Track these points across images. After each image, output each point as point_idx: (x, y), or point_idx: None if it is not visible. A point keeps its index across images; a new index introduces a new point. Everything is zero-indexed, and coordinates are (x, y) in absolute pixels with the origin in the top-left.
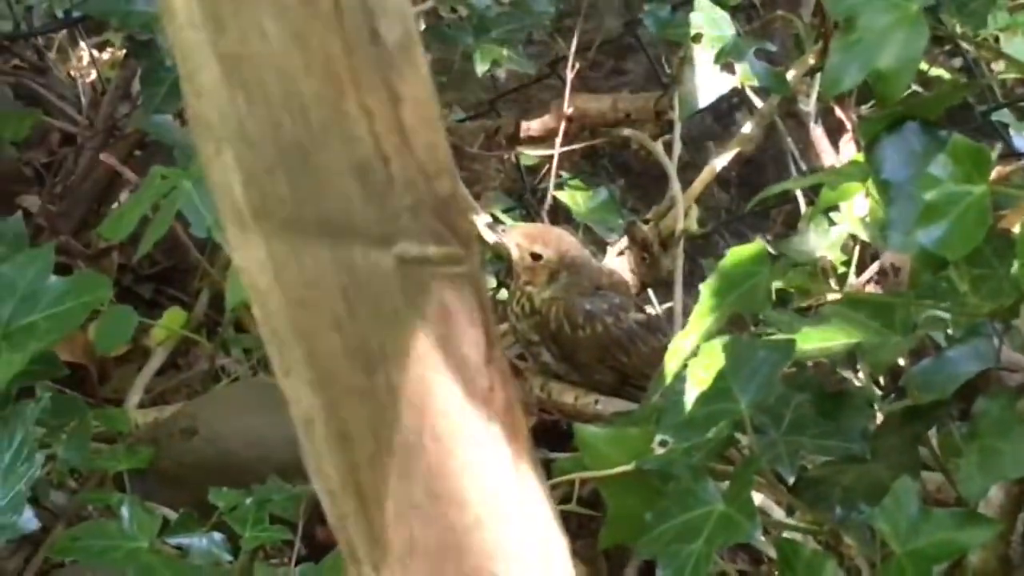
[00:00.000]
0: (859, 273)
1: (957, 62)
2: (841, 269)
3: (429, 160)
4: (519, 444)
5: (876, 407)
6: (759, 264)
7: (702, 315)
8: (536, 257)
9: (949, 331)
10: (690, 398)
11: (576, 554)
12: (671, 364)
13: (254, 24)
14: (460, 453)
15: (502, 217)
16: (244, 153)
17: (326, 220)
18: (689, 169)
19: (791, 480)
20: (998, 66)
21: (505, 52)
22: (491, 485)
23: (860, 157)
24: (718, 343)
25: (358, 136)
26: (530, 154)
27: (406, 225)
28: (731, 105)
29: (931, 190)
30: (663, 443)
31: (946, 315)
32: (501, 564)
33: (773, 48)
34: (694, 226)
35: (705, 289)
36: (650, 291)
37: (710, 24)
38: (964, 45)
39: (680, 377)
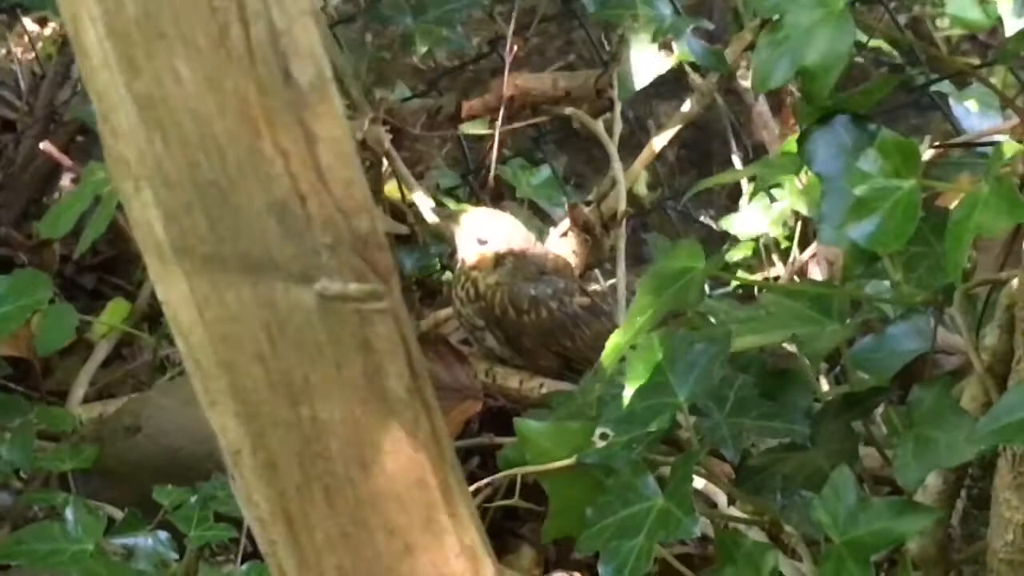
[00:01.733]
0: (803, 248)
1: (902, 19)
2: (784, 244)
3: (346, 198)
4: (445, 471)
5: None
6: (693, 260)
7: (638, 313)
8: (482, 242)
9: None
10: (628, 393)
11: (524, 538)
12: (609, 360)
13: (168, 67)
14: (387, 483)
15: (445, 200)
16: (162, 192)
17: (246, 257)
18: (632, 144)
19: (735, 462)
20: (943, 23)
21: (444, 33)
22: (419, 513)
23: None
24: (655, 337)
25: (274, 175)
26: (472, 133)
27: (326, 262)
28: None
29: (861, 185)
30: (603, 436)
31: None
32: None
33: (711, 26)
34: (643, 190)
35: (640, 287)
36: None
37: (647, 3)
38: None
39: (619, 371)
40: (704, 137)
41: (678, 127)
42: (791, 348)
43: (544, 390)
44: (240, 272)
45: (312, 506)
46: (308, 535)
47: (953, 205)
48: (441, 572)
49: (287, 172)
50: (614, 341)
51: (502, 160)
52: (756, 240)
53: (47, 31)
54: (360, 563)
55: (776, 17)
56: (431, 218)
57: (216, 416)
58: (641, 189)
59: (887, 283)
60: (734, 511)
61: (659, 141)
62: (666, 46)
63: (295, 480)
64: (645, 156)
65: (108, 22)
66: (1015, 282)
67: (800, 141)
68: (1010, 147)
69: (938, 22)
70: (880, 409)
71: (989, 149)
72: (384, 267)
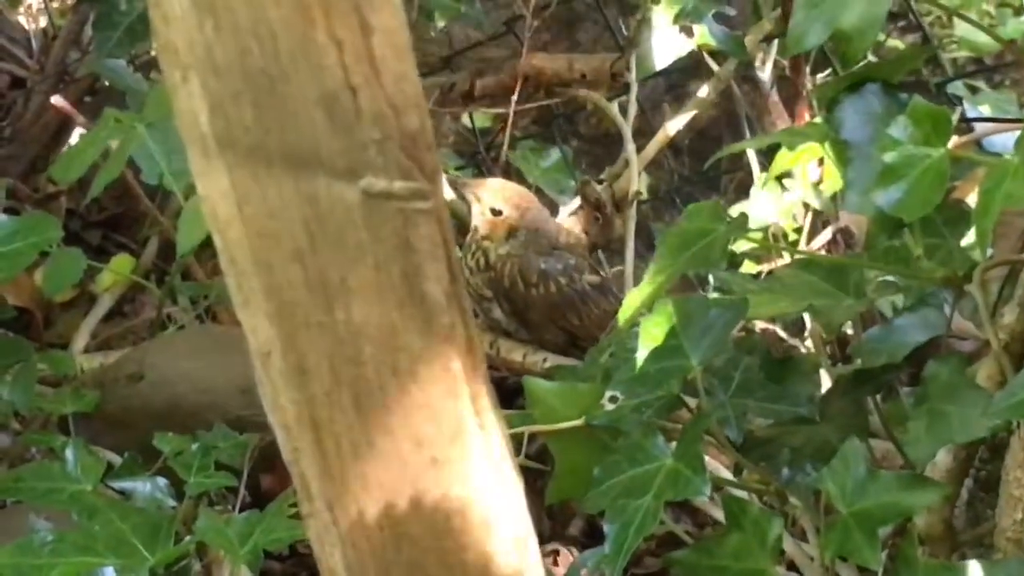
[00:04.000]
0: (810, 241)
1: (911, 39)
2: (792, 236)
3: (398, 93)
4: (478, 383)
5: (824, 372)
6: (715, 222)
7: (658, 271)
8: (496, 212)
9: (901, 298)
10: (642, 355)
11: None
12: (624, 317)
13: None
14: (419, 391)
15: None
16: (210, 80)
17: (291, 151)
18: (642, 136)
19: (739, 441)
20: (951, 44)
21: (462, 8)
22: (449, 424)
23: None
24: (671, 301)
25: (326, 66)
26: (485, 112)
27: (372, 159)
28: (686, 71)
29: (890, 152)
30: (613, 399)
31: (898, 280)
32: (456, 504)
33: (732, 12)
34: (644, 193)
35: (661, 245)
36: (600, 253)
37: None
38: (920, 22)
39: (631, 334)
40: (715, 132)
41: (694, 112)
42: (794, 343)
43: (547, 364)
44: (284, 166)
45: (340, 413)
46: (334, 443)
47: (969, 197)
48: (467, 486)
49: (340, 63)
50: (632, 298)
51: (512, 143)
52: (765, 230)
53: (55, 3)
54: (385, 473)
55: None
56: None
57: (247, 316)
58: (642, 189)
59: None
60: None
61: (674, 124)
62: (686, 30)
63: (325, 385)
64: (660, 138)
65: None
66: None
67: (829, 108)
68: None
69: (946, 44)
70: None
71: (1002, 147)
72: (430, 167)
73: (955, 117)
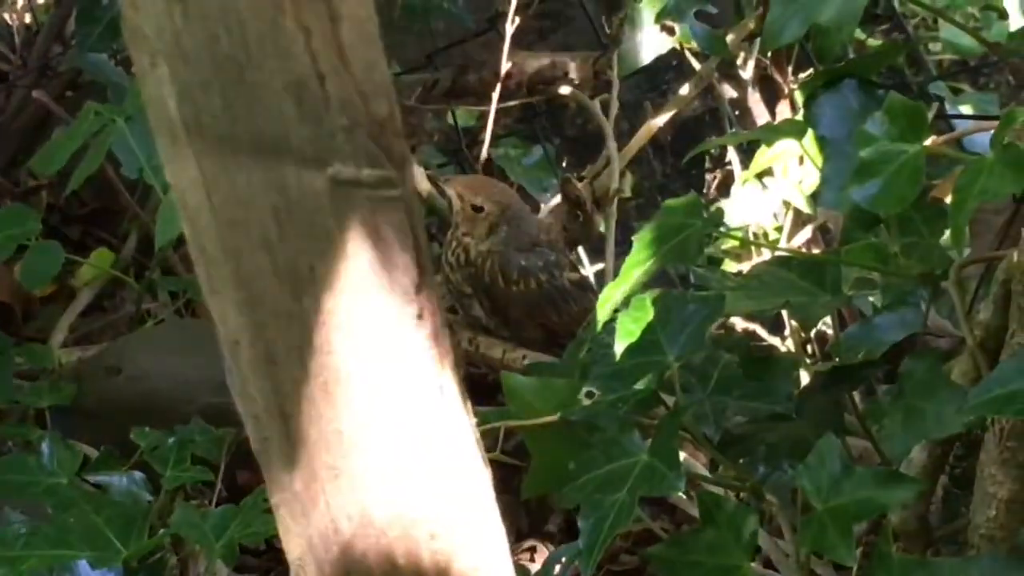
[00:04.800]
0: (791, 238)
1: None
2: (773, 235)
3: (366, 80)
4: (446, 372)
5: (802, 370)
6: (692, 216)
7: (634, 265)
8: (477, 209)
9: (878, 296)
10: (619, 349)
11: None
12: (601, 312)
13: None
14: (387, 380)
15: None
16: (179, 67)
17: (259, 138)
18: (623, 137)
19: (716, 440)
20: (936, 47)
21: (444, 5)
22: (417, 413)
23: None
24: (648, 296)
25: (295, 53)
26: (467, 109)
27: (340, 146)
28: (668, 67)
29: (866, 147)
30: (590, 394)
31: (876, 277)
32: (426, 491)
33: (713, 11)
34: (627, 192)
35: (638, 241)
36: (581, 251)
37: None
38: (904, 23)
39: (608, 328)
40: (696, 131)
41: (675, 110)
42: (772, 341)
43: (526, 361)
44: (252, 153)
45: (309, 402)
46: (302, 432)
47: (947, 197)
48: (436, 475)
49: (308, 50)
50: (608, 293)
51: (495, 140)
52: (744, 229)
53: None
54: (354, 461)
55: None
56: (425, 186)
57: (216, 304)
58: (626, 188)
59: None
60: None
61: (656, 122)
62: (667, 29)
63: (293, 374)
64: (641, 135)
65: None
66: (1014, 255)
67: (807, 104)
68: (1019, 113)
69: (931, 46)
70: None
71: (982, 147)
72: (399, 154)
73: (932, 114)
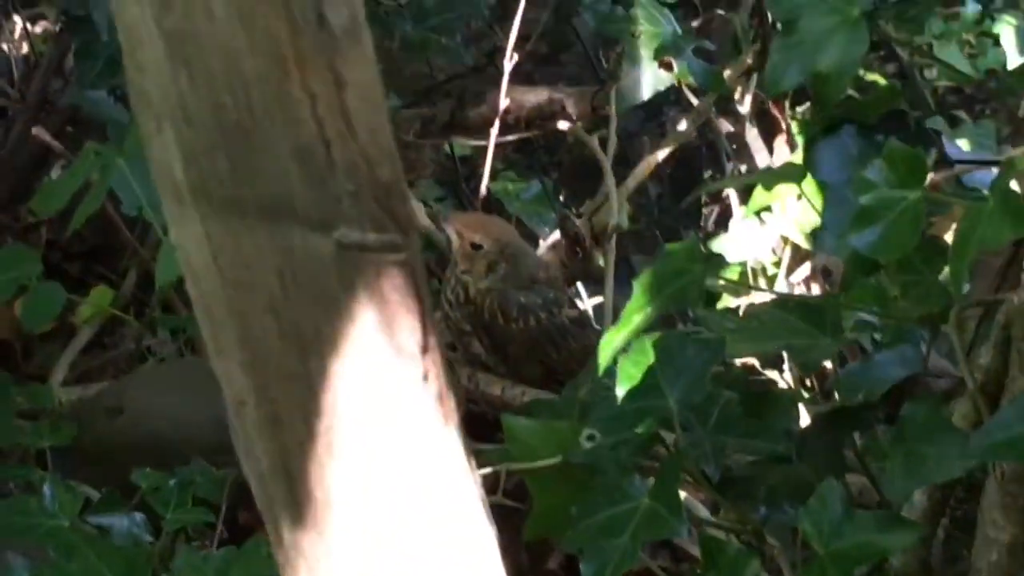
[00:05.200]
0: (790, 274)
1: (892, 68)
2: (772, 271)
3: (371, 145)
4: (451, 432)
5: (803, 408)
6: (692, 261)
7: (634, 311)
8: (476, 247)
9: (877, 336)
10: (620, 393)
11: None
12: (602, 358)
13: (200, 2)
14: (392, 441)
15: (435, 206)
16: (185, 131)
17: (265, 202)
18: (621, 165)
19: (716, 478)
20: (931, 73)
21: (443, 41)
22: (423, 474)
23: (796, 158)
24: (649, 339)
25: (301, 119)
26: (465, 144)
27: (346, 210)
28: (663, 102)
29: (866, 194)
30: (591, 437)
31: (875, 319)
32: (432, 550)
33: (711, 47)
34: (626, 223)
35: (638, 285)
36: (580, 286)
37: (649, 20)
38: (899, 51)
39: (609, 372)
40: (694, 166)
41: (673, 146)
42: (771, 375)
43: (526, 398)
44: (258, 217)
45: (315, 463)
46: (308, 493)
47: (947, 235)
48: (442, 534)
49: (314, 116)
50: (608, 337)
51: (492, 175)
52: (743, 265)
53: (39, 29)
54: (360, 522)
55: (791, 22)
56: (424, 222)
57: (222, 365)
58: (624, 222)
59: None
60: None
61: (654, 158)
62: (665, 65)
63: (298, 435)
64: (639, 171)
65: None
66: (1015, 299)
67: (806, 150)
68: (1020, 161)
69: (927, 72)
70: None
71: (980, 185)
72: (404, 218)
73: (932, 158)
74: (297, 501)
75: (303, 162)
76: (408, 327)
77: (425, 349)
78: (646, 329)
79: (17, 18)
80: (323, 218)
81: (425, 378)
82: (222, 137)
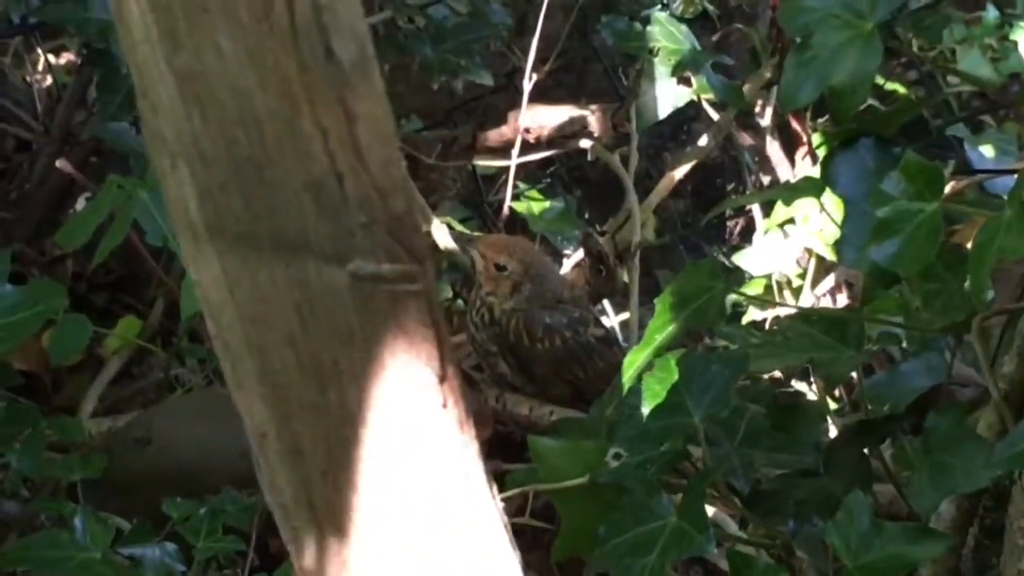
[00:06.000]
0: (815, 285)
1: (913, 74)
2: (796, 282)
3: (384, 178)
4: (472, 459)
5: (830, 419)
6: (713, 280)
7: (657, 330)
8: (500, 268)
9: (904, 345)
10: (645, 411)
11: (530, 566)
12: (626, 377)
13: (210, 41)
14: (413, 469)
15: (458, 227)
16: (199, 169)
17: (280, 236)
18: (645, 179)
19: (745, 492)
20: (953, 79)
21: (462, 63)
22: (444, 501)
23: (816, 171)
24: (672, 357)
25: (313, 154)
26: (487, 164)
27: (360, 242)
28: (688, 116)
29: (884, 207)
30: (617, 456)
31: (899, 330)
32: None
33: (730, 61)
34: (651, 236)
35: (660, 304)
36: (607, 303)
37: (667, 37)
38: (918, 57)
39: (634, 390)
40: (717, 179)
41: (694, 161)
42: (798, 387)
43: (554, 417)
44: (273, 252)
45: (336, 492)
46: (331, 521)
47: (970, 242)
48: (465, 560)
49: (325, 150)
50: (632, 357)
51: (515, 194)
52: (768, 277)
53: (62, 60)
54: (384, 550)
55: (804, 37)
56: (447, 244)
57: (242, 399)
58: (650, 235)
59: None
60: (745, 535)
61: (676, 174)
62: (684, 80)
63: (320, 466)
64: (662, 188)
65: None
66: None
67: (824, 164)
68: None
69: (949, 78)
70: (891, 449)
71: (1002, 191)
72: (418, 248)
73: (953, 165)
74: (321, 531)
75: (316, 196)
76: (426, 356)
77: (444, 377)
78: (670, 347)
79: (40, 50)
80: (338, 251)
81: (444, 406)
82: (235, 173)
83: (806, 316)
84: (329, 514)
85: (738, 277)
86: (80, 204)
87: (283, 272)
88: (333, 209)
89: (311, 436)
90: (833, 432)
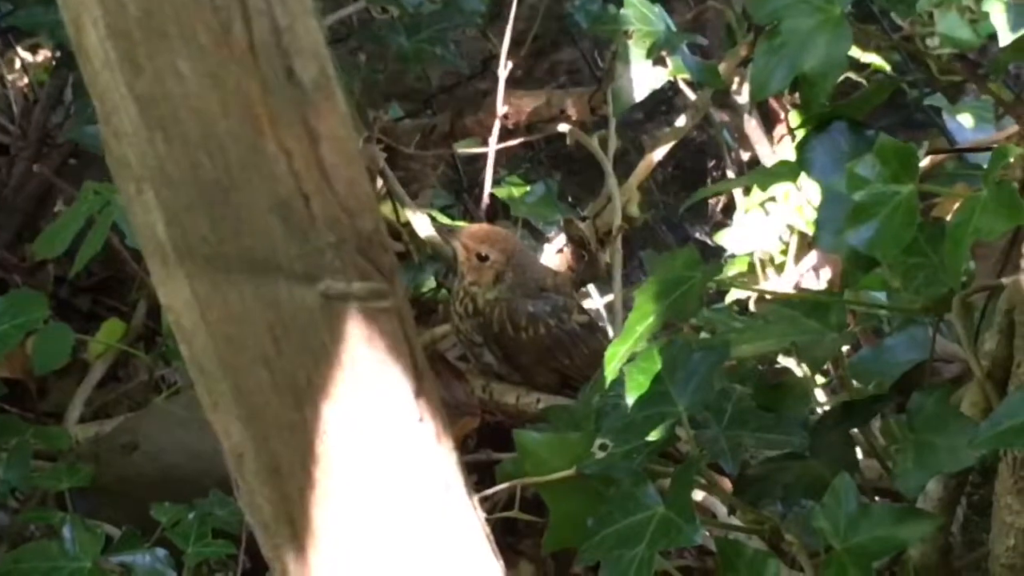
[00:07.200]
0: (797, 262)
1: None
2: (779, 259)
3: (350, 197)
4: (451, 470)
5: (820, 393)
6: (691, 270)
7: (638, 321)
8: (482, 258)
9: (885, 325)
10: (629, 402)
11: (523, 553)
12: (608, 369)
13: (170, 66)
14: (392, 482)
15: (440, 217)
16: (164, 193)
17: (249, 258)
18: (625, 160)
19: (734, 474)
20: (933, 42)
21: (437, 51)
22: (422, 514)
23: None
24: (655, 347)
25: (278, 175)
26: (466, 152)
27: (329, 262)
28: (666, 96)
29: (859, 190)
30: (603, 447)
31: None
32: None
33: (705, 41)
34: (635, 212)
35: (639, 296)
36: (592, 287)
37: (641, 19)
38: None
39: (618, 381)
40: (697, 156)
41: (673, 142)
42: (786, 362)
43: (541, 405)
44: (243, 273)
45: (315, 509)
46: (312, 537)
47: (950, 215)
48: (445, 573)
49: (290, 171)
50: (613, 350)
51: (496, 179)
52: (751, 255)
53: (39, 58)
54: (364, 564)
55: (774, 24)
56: (429, 234)
57: (219, 420)
58: (634, 211)
59: (883, 295)
60: (734, 521)
61: (655, 155)
62: (660, 61)
63: (299, 483)
64: (641, 170)
65: (109, 22)
66: (1015, 283)
67: (798, 148)
68: (1010, 150)
69: (928, 41)
70: (878, 422)
71: (983, 161)
72: (387, 266)
73: (932, 137)
74: (303, 547)
75: (283, 217)
76: (399, 371)
77: (419, 392)
78: (650, 338)
79: (16, 49)
80: (308, 270)
81: (421, 419)
82: (201, 196)
83: (788, 299)
84: (309, 531)
85: (715, 267)
86: (59, 207)
87: (254, 293)
88: (301, 229)
89: (288, 454)
90: (824, 406)
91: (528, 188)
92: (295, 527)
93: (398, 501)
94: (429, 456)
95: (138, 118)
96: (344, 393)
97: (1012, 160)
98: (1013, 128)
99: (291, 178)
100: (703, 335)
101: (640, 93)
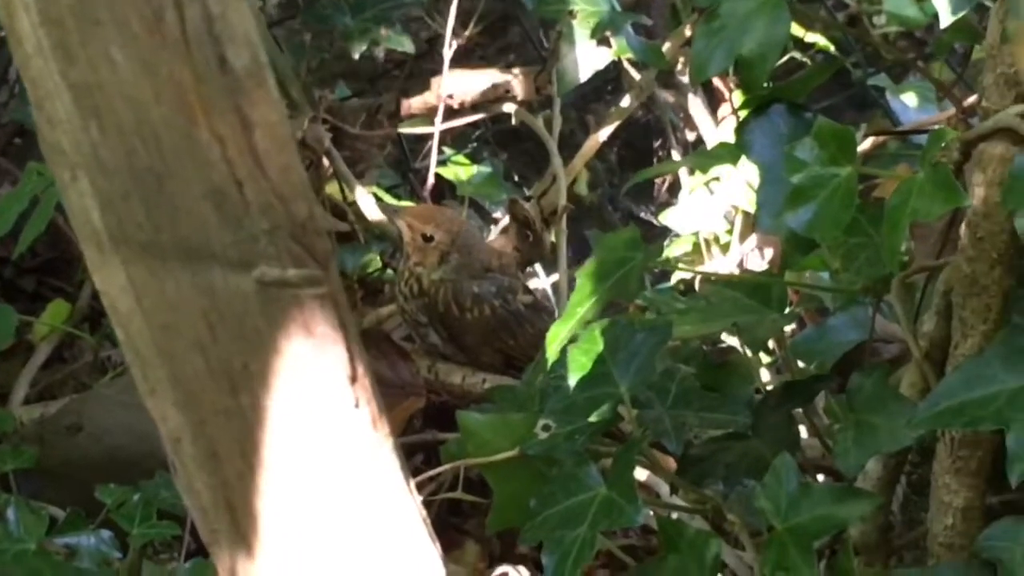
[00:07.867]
0: (742, 241)
1: (842, 17)
2: (725, 238)
3: (284, 184)
4: (387, 457)
5: (765, 372)
6: (632, 250)
7: (579, 302)
8: (427, 238)
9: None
10: (571, 382)
11: (468, 533)
12: (550, 350)
13: (102, 53)
14: (328, 468)
15: (385, 197)
16: (99, 180)
17: (184, 245)
18: (574, 136)
19: (678, 454)
20: (880, 20)
21: (382, 31)
22: (359, 499)
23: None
24: (596, 327)
25: (211, 162)
26: (411, 132)
27: (264, 249)
28: (611, 76)
29: (797, 173)
30: (546, 428)
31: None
32: (376, 573)
33: (649, 22)
34: (584, 190)
35: (581, 276)
36: (537, 264)
37: None
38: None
39: (560, 362)
40: (643, 136)
41: (617, 122)
42: (731, 341)
43: (487, 385)
44: (178, 260)
45: (253, 494)
46: (250, 523)
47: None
48: (383, 558)
49: (224, 158)
50: (555, 331)
51: (442, 159)
52: (696, 235)
53: None
54: (304, 549)
55: (713, 6)
56: (375, 215)
57: (156, 405)
58: (582, 189)
59: (825, 275)
60: (677, 501)
61: (601, 135)
62: (604, 42)
63: (236, 468)
64: (586, 151)
65: (42, 9)
66: (953, 265)
67: (738, 131)
68: (947, 133)
69: (875, 19)
70: (821, 400)
71: (924, 140)
72: (322, 252)
73: (875, 116)
74: (242, 533)
75: (217, 204)
76: (335, 357)
77: (355, 378)
78: (592, 319)
79: None
80: (242, 257)
81: (357, 405)
82: (136, 183)
83: (729, 280)
84: (248, 516)
85: (656, 247)
86: (3, 189)
87: (189, 280)
88: (235, 216)
89: (225, 440)
90: (768, 386)
91: (474, 168)
92: (233, 512)
93: (335, 486)
94: (365, 441)
95: (72, 105)
96: (280, 379)
97: (949, 142)
98: (952, 110)
99: (224, 165)
100: (649, 315)
101: (585, 73)
